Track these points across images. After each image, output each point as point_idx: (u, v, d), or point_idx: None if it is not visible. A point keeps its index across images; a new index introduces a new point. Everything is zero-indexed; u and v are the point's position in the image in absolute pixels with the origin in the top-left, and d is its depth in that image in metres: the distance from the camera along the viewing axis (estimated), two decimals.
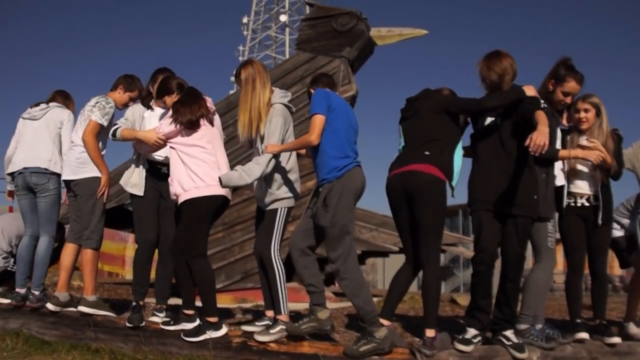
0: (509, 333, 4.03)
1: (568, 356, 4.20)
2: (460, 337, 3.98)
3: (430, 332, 3.92)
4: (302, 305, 6.85)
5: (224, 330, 4.20)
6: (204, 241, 4.24)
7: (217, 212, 4.31)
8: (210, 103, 4.38)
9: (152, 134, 4.38)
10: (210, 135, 4.27)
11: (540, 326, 4.27)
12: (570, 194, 4.54)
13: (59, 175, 5.05)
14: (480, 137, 4.19)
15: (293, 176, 4.29)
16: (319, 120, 4.02)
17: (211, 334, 4.14)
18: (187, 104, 4.22)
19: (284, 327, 4.09)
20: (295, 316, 4.55)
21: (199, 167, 4.18)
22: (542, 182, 4.26)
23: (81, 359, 4.28)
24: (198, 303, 4.31)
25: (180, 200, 4.21)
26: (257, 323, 4.35)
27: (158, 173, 4.75)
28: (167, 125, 4.25)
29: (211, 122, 4.30)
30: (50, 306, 4.79)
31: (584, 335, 4.31)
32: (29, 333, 4.71)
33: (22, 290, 5.01)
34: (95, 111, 4.78)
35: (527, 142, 3.50)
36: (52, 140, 5.11)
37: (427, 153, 4.00)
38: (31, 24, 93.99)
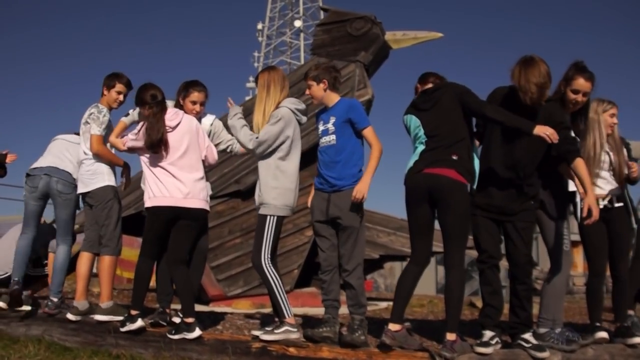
0: (527, 336, 4.00)
1: (590, 359, 4.15)
2: (478, 340, 3.97)
3: (451, 336, 3.91)
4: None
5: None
6: (146, 245, 4.53)
7: (172, 221, 4.42)
8: (169, 120, 4.44)
9: (120, 144, 4.66)
10: (167, 154, 4.41)
11: (560, 329, 4.23)
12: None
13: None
14: (493, 139, 4.13)
15: (291, 185, 4.29)
16: (373, 130, 4.35)
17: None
18: (148, 129, 4.38)
19: (289, 328, 4.11)
20: (306, 321, 4.55)
21: (152, 179, 4.45)
22: (553, 182, 4.24)
23: None
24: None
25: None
26: (267, 328, 4.38)
27: None
28: (131, 141, 4.50)
29: (165, 144, 4.38)
30: (70, 316, 4.85)
31: (603, 334, 4.27)
32: (50, 339, 4.76)
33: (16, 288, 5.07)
34: (91, 124, 4.89)
35: (585, 213, 3.89)
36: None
37: (454, 158, 3.96)
38: (32, 26, 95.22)
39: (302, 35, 42.34)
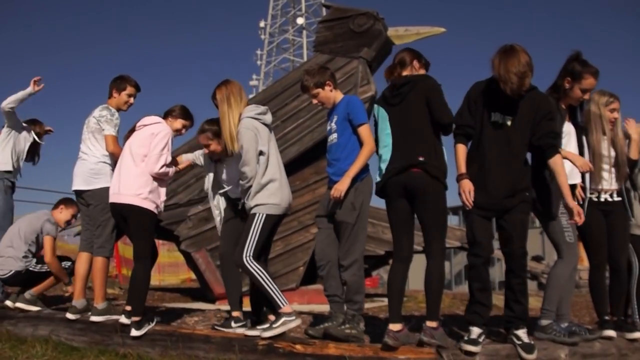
0: (520, 332, 3.93)
1: (597, 353, 4.15)
2: (466, 337, 3.90)
3: (432, 324, 3.93)
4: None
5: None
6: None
7: (122, 217, 4.70)
8: (141, 121, 4.82)
9: None
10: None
11: (566, 324, 4.21)
12: (592, 189, 4.49)
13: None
14: (485, 135, 4.03)
15: (275, 183, 4.32)
16: (368, 128, 4.31)
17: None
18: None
19: (287, 318, 4.13)
20: (312, 317, 4.55)
21: None
22: (550, 179, 4.22)
23: None
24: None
25: None
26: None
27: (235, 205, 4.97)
28: None
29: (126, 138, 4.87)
30: (69, 315, 4.92)
31: (611, 333, 4.25)
32: (58, 339, 4.79)
33: None
34: (104, 125, 4.99)
35: (576, 219, 4.00)
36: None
37: (421, 159, 3.96)
38: (33, 24, 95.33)
39: (304, 32, 42.37)
